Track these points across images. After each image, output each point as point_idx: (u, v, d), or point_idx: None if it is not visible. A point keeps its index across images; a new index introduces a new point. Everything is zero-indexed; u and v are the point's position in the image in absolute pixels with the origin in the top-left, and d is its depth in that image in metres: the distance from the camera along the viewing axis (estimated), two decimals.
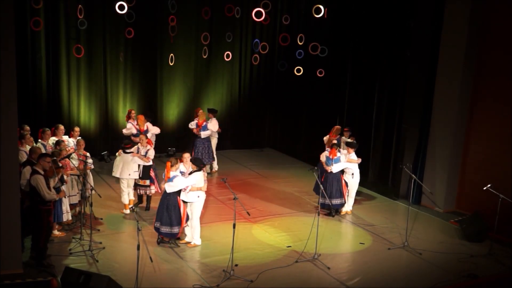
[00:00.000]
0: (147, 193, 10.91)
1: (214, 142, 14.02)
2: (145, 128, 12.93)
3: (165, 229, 9.16)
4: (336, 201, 11.01)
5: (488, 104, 11.26)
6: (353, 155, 11.16)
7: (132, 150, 10.74)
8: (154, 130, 13.14)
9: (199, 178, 9.24)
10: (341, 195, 11.05)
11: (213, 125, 13.66)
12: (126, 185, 10.76)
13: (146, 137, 11.07)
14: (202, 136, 13.47)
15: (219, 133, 14.09)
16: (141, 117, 13.03)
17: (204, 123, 13.45)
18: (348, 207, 11.39)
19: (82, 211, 9.50)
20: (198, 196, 9.29)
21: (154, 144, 11.96)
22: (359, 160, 11.22)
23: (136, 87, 15.12)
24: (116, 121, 14.99)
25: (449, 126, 11.61)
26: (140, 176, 10.73)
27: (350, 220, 11.09)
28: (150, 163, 10.73)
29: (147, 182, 10.79)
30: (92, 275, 7.50)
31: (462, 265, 9.11)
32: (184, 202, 9.29)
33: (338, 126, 12.37)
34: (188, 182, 9.14)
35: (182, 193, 9.21)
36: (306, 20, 14.98)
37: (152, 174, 10.79)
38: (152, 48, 15.03)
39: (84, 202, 9.64)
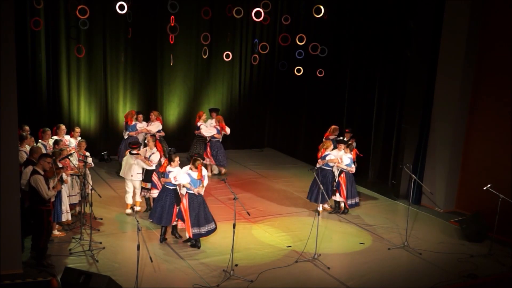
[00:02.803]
0: (147, 196, 10.79)
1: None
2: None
3: (205, 229, 9.24)
4: (354, 200, 11.28)
5: (488, 104, 11.27)
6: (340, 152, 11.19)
7: (138, 152, 10.66)
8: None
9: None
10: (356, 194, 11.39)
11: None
12: (130, 186, 10.75)
13: (155, 139, 10.97)
14: (219, 139, 13.62)
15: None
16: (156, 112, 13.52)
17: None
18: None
19: (82, 211, 9.50)
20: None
21: None
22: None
23: (136, 87, 15.14)
24: (116, 121, 15.00)
25: (449, 126, 11.61)
26: (143, 178, 10.69)
27: (350, 220, 11.09)
28: (153, 167, 10.53)
29: (148, 185, 10.65)
30: (92, 275, 7.50)
31: (462, 265, 9.12)
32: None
33: (335, 126, 12.38)
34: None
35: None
36: (306, 20, 14.99)
37: (154, 178, 10.56)
38: (152, 48, 15.05)
39: (84, 202, 9.65)
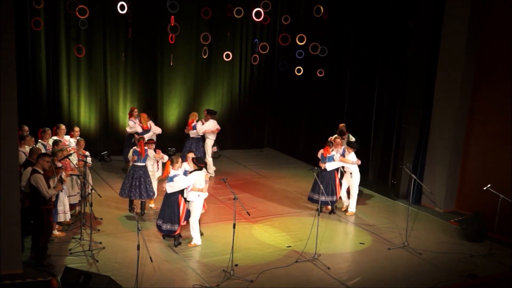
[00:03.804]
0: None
1: (208, 144, 13.66)
2: (148, 126, 12.98)
3: (166, 227, 9.24)
4: (324, 198, 11.06)
5: (488, 104, 11.27)
6: (351, 155, 11.12)
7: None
8: (156, 129, 13.15)
9: (200, 178, 9.27)
10: (332, 193, 11.06)
11: (203, 126, 13.39)
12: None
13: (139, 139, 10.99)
14: (191, 135, 13.39)
15: (218, 134, 13.97)
16: (144, 115, 13.09)
17: (194, 123, 13.37)
18: (352, 208, 11.41)
19: (82, 211, 9.50)
20: (199, 195, 9.30)
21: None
22: (357, 162, 11.14)
23: (136, 87, 15.14)
24: (116, 121, 15.00)
25: (449, 126, 11.61)
26: None
27: (350, 220, 11.09)
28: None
29: None
30: (92, 275, 7.50)
31: (462, 265, 9.12)
32: (185, 200, 9.36)
33: (342, 124, 12.45)
34: (188, 182, 9.17)
35: (184, 191, 9.28)
36: (306, 20, 15.00)
37: None
38: (152, 48, 15.05)
39: (84, 202, 9.65)
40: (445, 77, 11.61)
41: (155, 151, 10.85)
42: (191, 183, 9.19)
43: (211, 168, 13.80)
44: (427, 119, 11.98)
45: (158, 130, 13.22)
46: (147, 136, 12.62)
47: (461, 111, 11.56)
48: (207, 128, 13.47)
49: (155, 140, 11.95)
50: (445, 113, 11.66)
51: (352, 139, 12.12)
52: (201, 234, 9.66)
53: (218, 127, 13.68)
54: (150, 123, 13.08)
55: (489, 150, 11.22)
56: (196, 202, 9.34)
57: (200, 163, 9.36)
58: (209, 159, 13.68)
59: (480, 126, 11.44)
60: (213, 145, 13.82)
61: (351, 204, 11.41)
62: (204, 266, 8.70)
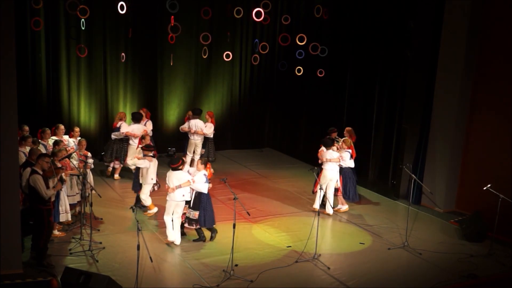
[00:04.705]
0: None
1: (190, 143, 13.56)
2: (117, 125, 12.94)
3: None
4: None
5: (488, 104, 11.27)
6: (327, 153, 11.06)
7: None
8: (122, 130, 12.78)
9: (170, 177, 9.27)
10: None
11: (185, 125, 13.59)
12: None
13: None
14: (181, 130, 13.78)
15: (218, 134, 13.95)
16: (120, 113, 13.31)
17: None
18: (325, 206, 11.27)
19: (82, 211, 9.50)
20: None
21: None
22: (321, 158, 11.10)
23: (136, 87, 15.13)
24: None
25: (449, 126, 11.61)
26: None
27: (350, 220, 11.09)
28: None
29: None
30: (92, 275, 7.51)
31: (462, 265, 9.12)
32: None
33: (349, 128, 12.42)
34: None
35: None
36: (306, 20, 15.00)
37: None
38: (152, 48, 15.04)
39: (84, 202, 9.64)
40: (445, 77, 11.61)
41: (152, 155, 10.74)
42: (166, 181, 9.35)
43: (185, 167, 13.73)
44: (427, 119, 11.98)
45: (122, 132, 12.76)
46: (114, 135, 12.79)
47: (461, 111, 11.56)
48: (187, 127, 13.54)
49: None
50: (445, 113, 11.66)
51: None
52: (184, 234, 9.68)
53: (205, 130, 13.42)
54: (121, 123, 12.91)
55: (489, 150, 11.22)
56: (168, 201, 9.40)
57: (173, 164, 9.35)
58: (187, 159, 13.51)
59: (480, 126, 11.44)
60: (204, 147, 13.76)
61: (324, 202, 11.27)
62: (204, 266, 8.70)
